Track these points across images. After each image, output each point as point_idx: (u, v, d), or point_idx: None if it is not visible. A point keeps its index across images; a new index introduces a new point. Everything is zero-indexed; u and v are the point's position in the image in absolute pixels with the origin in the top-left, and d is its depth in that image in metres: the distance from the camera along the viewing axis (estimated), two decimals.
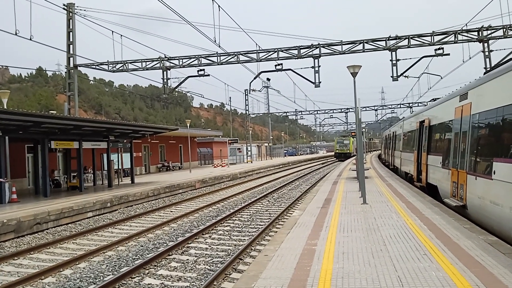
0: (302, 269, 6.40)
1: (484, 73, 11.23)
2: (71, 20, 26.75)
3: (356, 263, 6.56)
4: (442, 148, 13.31)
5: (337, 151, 67.29)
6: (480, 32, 22.92)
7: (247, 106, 63.03)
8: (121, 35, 27.07)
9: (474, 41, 23.40)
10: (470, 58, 25.10)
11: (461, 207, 10.44)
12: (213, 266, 9.35)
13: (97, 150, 25.41)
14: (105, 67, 28.21)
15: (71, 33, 26.91)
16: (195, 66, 27.13)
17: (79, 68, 28.90)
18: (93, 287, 8.14)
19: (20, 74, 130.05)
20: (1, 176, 17.15)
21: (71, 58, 27.33)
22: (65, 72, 29.33)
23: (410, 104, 59.66)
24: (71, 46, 27.11)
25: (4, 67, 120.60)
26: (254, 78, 29.33)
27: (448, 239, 7.81)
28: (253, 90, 60.25)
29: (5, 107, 20.89)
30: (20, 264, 10.16)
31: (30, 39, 20.67)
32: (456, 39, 23.44)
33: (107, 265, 9.66)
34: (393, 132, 31.54)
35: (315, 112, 71.92)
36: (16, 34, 19.50)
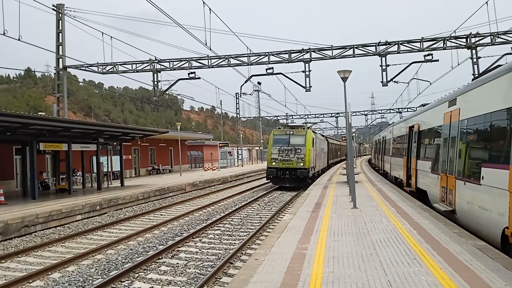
0: (293, 273, 6.41)
1: (472, 80, 11.40)
2: (60, 21, 26.52)
3: (346, 267, 6.59)
4: (431, 153, 13.43)
5: (273, 164, 27.49)
6: (468, 39, 23.21)
7: (238, 110, 63.02)
8: (111, 37, 27.06)
9: (463, 48, 23.68)
10: (458, 64, 25.40)
11: (450, 212, 10.54)
12: (203, 270, 9.32)
13: (86, 152, 25.19)
14: (95, 68, 28.01)
15: (60, 34, 26.68)
16: (186, 69, 27.07)
17: (68, 69, 28.65)
18: None
19: (8, 74, 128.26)
20: None
21: (61, 59, 27.09)
22: (54, 73, 29.02)
23: (400, 109, 60.11)
24: (60, 47, 26.88)
25: None
26: (245, 82, 29.35)
27: (438, 243, 7.88)
28: (244, 93, 60.23)
29: None
30: (7, 268, 10.02)
31: (19, 40, 20.43)
32: (445, 46, 23.70)
33: (96, 269, 9.57)
34: (383, 137, 31.77)
35: (306, 116, 72.07)
36: (4, 34, 19.24)
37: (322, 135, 42.43)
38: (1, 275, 9.35)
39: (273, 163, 27.27)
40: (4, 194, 17.98)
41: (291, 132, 28.25)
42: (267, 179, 28.74)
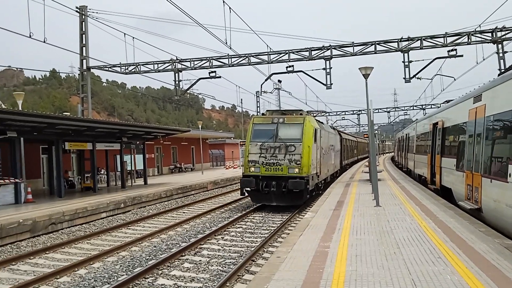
0: (315, 271, 6.39)
1: (499, 75, 11.11)
2: (84, 22, 27.03)
3: (369, 266, 6.53)
4: (456, 151, 13.18)
5: (251, 170, 17.46)
6: (494, 33, 22.62)
7: (258, 108, 62.97)
8: (133, 37, 27.41)
9: (488, 42, 23.08)
10: (484, 59, 24.76)
11: (476, 210, 10.33)
12: (225, 267, 9.39)
13: (110, 151, 25.64)
14: (118, 69, 28.44)
15: (84, 35, 27.18)
16: (207, 68, 27.19)
17: (92, 70, 29.20)
18: (107, 287, 8.22)
19: (35, 76, 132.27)
20: (16, 177, 17.42)
21: (84, 60, 27.61)
22: (78, 74, 29.63)
23: (423, 106, 59.01)
24: (84, 48, 27.39)
25: (18, 69, 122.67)
26: (265, 80, 29.17)
27: (463, 242, 7.73)
28: (264, 91, 59.95)
29: (20, 108, 21.21)
30: (36, 264, 10.31)
31: (44, 42, 20.93)
32: (469, 40, 23.16)
33: (121, 265, 9.75)
34: (406, 134, 31.30)
35: (327, 114, 71.56)
36: (30, 36, 19.74)
37: (333, 128, 32.04)
38: (30, 271, 9.63)
39: (252, 169, 17.52)
40: (31, 192, 18.50)
41: (281, 120, 18.07)
42: (241, 194, 18.50)
